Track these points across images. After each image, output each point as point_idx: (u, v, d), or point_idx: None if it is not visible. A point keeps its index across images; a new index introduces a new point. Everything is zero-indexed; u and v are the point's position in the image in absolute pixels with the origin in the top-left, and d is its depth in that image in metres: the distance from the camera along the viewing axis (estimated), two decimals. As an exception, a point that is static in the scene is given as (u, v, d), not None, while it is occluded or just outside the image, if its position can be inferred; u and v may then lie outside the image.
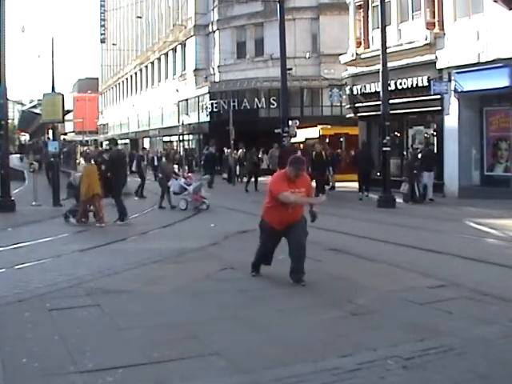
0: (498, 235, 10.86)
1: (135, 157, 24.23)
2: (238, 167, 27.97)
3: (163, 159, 18.64)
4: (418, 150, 18.40)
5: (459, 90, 17.89)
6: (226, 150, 30.02)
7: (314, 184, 6.27)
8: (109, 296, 6.37)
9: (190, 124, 40.99)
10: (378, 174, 19.10)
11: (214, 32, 39.62)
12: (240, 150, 28.04)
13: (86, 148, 65.08)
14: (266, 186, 7.76)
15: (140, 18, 50.63)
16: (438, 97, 18.41)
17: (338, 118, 29.31)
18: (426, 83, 18.86)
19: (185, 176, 16.82)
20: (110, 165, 13.53)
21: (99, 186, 12.76)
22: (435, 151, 18.78)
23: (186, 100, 42.64)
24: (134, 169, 23.14)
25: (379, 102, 17.20)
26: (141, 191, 19.88)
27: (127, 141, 60.56)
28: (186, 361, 4.38)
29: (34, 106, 61.75)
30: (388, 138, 16.59)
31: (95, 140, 73.34)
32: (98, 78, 76.74)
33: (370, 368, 4.18)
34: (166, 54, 47.94)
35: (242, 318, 5.50)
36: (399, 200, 16.82)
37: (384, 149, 16.70)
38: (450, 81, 18.13)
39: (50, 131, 28.57)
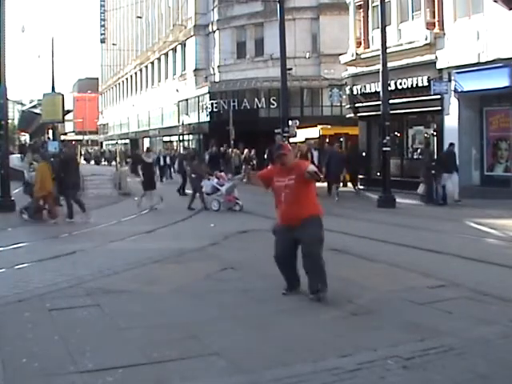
0: (498, 235, 10.86)
1: (177, 157, 24.53)
2: (243, 167, 27.86)
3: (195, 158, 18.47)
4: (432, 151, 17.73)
5: (459, 90, 17.89)
6: (230, 150, 29.90)
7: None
8: (109, 296, 6.37)
9: (190, 124, 41.01)
10: (378, 173, 19.11)
11: (214, 32, 39.62)
12: (246, 150, 28.01)
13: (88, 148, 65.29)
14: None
15: (140, 18, 50.64)
16: (438, 97, 18.41)
17: (338, 118, 29.29)
18: (426, 83, 18.86)
19: (217, 176, 16.35)
20: (63, 165, 14.23)
21: (51, 184, 13.49)
22: (455, 152, 17.31)
23: (186, 100, 42.65)
24: (176, 168, 23.44)
25: (379, 102, 17.20)
26: (182, 190, 19.97)
27: (127, 141, 60.59)
28: (186, 361, 4.38)
29: (34, 106, 61.84)
30: (388, 137, 16.59)
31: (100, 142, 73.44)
32: (98, 78, 76.76)
33: (370, 368, 4.18)
34: (166, 54, 47.95)
35: (241, 318, 5.51)
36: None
37: (384, 149, 16.71)
38: (450, 81, 18.13)
39: (50, 131, 28.63)
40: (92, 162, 53.53)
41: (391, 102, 17.23)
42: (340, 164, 18.97)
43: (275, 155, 6.29)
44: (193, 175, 16.71)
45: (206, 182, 15.84)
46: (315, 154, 20.42)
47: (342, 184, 20.20)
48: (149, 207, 15.66)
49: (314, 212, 6.18)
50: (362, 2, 22.08)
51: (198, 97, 40.03)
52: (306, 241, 6.01)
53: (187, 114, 42.11)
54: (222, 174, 17.20)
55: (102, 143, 73.40)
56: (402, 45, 19.64)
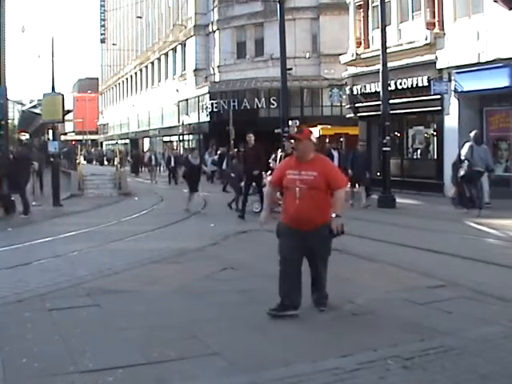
0: (498, 235, 10.85)
1: (226, 156, 24.40)
2: None
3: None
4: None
5: (459, 90, 17.89)
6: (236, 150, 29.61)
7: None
8: (109, 296, 6.37)
9: (190, 124, 41.01)
10: (378, 174, 19.09)
11: (214, 32, 39.62)
12: None
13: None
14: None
15: (140, 18, 50.65)
16: (438, 97, 18.41)
17: (337, 118, 29.32)
18: (426, 83, 18.85)
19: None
20: (14, 163, 14.72)
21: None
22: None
23: (186, 100, 42.66)
24: (223, 167, 23.33)
25: (379, 102, 17.20)
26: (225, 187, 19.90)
27: (127, 141, 60.57)
28: (185, 361, 4.38)
29: (34, 106, 61.73)
30: (388, 137, 16.59)
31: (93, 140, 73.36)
32: (98, 78, 76.77)
33: (370, 368, 4.17)
34: (166, 54, 47.96)
35: (242, 318, 5.50)
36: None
37: (384, 149, 16.71)
38: (449, 81, 18.12)
39: (50, 131, 28.57)
40: (94, 162, 53.19)
41: (391, 102, 17.23)
42: (365, 165, 17.17)
43: (289, 135, 5.69)
44: (232, 174, 16.09)
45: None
46: (335, 154, 19.65)
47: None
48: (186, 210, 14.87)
49: (328, 220, 5.45)
50: (361, 2, 22.09)
51: (198, 97, 40.03)
52: (317, 253, 5.53)
53: (187, 114, 42.11)
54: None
55: (102, 143, 73.41)
56: (402, 45, 19.63)
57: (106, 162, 49.87)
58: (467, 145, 14.10)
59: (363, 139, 22.94)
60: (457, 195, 15.24)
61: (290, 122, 21.12)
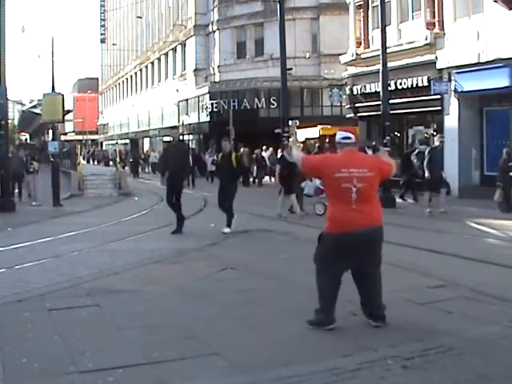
0: (498, 235, 10.86)
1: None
2: (255, 168, 27.13)
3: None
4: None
5: (459, 90, 17.89)
6: (242, 149, 29.49)
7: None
8: (109, 296, 6.37)
9: (190, 124, 41.00)
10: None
11: (214, 32, 39.62)
12: (257, 150, 27.56)
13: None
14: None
15: (140, 18, 50.64)
16: (438, 97, 18.43)
17: (337, 118, 29.27)
18: (426, 83, 18.87)
19: None
20: None
21: None
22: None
23: (186, 100, 42.64)
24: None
25: (379, 102, 17.22)
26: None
27: (127, 141, 60.55)
28: (186, 361, 4.38)
29: (34, 106, 61.78)
30: (388, 137, 16.60)
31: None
32: (98, 78, 76.76)
33: (370, 368, 4.17)
34: (166, 54, 47.95)
35: (241, 318, 5.50)
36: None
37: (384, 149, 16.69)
38: (449, 81, 18.14)
39: (50, 131, 28.59)
40: (98, 163, 52.64)
41: (391, 102, 17.25)
42: (442, 165, 15.04)
43: (339, 140, 5.26)
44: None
45: (307, 183, 13.87)
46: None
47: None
48: (278, 215, 13.55)
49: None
50: (361, 2, 22.10)
51: (198, 97, 40.02)
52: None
53: (187, 114, 42.10)
54: None
55: (102, 143, 73.43)
56: (402, 45, 19.65)
57: (110, 163, 49.61)
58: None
59: (362, 140, 22.96)
60: (503, 199, 14.02)
61: (290, 122, 21.14)
